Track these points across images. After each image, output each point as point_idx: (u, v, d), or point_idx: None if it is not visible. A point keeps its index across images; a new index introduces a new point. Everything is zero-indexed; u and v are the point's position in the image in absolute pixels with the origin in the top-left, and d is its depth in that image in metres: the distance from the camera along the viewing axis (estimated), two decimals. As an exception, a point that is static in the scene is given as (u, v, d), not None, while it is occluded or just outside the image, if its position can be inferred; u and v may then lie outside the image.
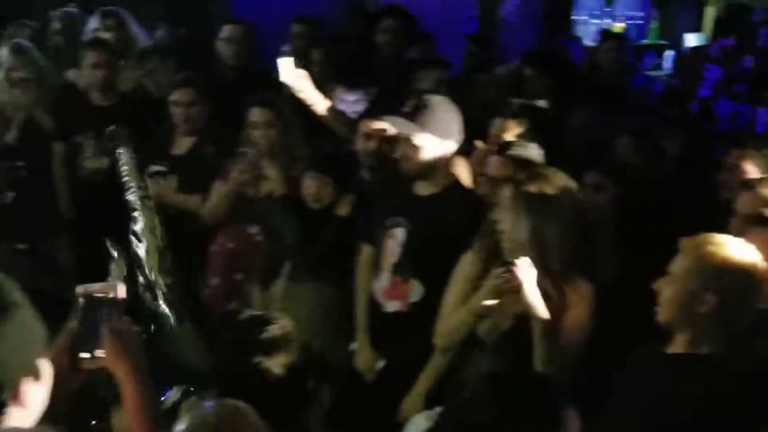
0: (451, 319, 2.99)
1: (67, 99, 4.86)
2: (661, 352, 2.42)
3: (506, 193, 2.81)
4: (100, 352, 1.90)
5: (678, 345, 2.39)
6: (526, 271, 2.66)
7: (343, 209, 3.72)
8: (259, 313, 2.27)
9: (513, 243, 2.76)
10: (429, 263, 3.20)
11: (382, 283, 3.36)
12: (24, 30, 5.51)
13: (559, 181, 2.79)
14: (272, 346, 2.04)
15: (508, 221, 2.78)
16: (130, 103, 4.74)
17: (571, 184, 2.83)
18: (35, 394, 1.51)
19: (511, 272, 2.65)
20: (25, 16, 6.08)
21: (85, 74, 4.79)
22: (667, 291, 2.37)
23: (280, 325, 2.10)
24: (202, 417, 1.59)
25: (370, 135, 3.75)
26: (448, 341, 3.02)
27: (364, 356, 3.45)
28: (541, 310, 2.68)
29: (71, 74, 5.18)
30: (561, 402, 1.73)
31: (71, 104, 4.80)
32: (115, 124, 4.36)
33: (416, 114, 3.18)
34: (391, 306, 3.34)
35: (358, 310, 3.48)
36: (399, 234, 3.31)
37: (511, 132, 3.74)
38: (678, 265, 2.37)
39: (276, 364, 2.04)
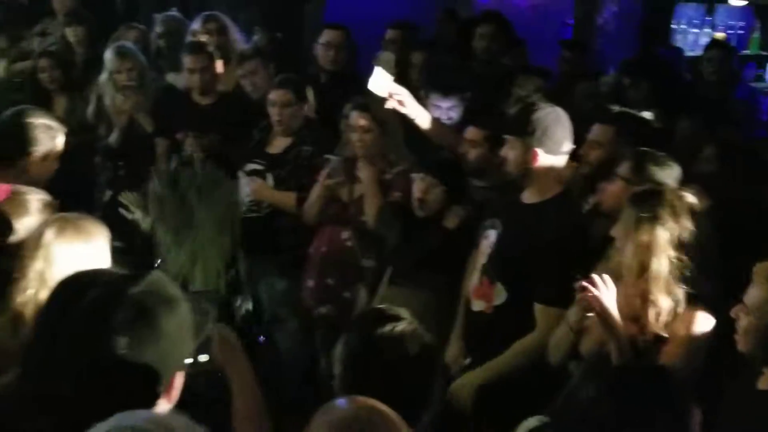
0: (557, 333, 2.93)
1: (168, 99, 4.97)
2: (752, 388, 2.32)
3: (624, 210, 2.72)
4: (203, 357, 1.92)
5: (766, 380, 2.30)
6: (603, 288, 2.55)
7: (451, 222, 3.69)
8: (383, 306, 2.22)
9: (621, 262, 2.67)
10: (515, 270, 3.17)
11: (473, 281, 3.36)
12: (131, 32, 5.67)
13: (680, 203, 2.64)
14: (402, 343, 2.01)
15: (621, 239, 2.69)
16: (228, 103, 4.84)
17: (698, 205, 2.68)
18: (179, 389, 1.54)
19: (586, 288, 2.57)
20: (132, 18, 6.28)
21: (185, 77, 4.91)
22: (744, 321, 2.26)
23: (408, 321, 2.06)
24: (341, 415, 1.57)
25: (475, 142, 3.75)
26: (554, 355, 2.95)
27: (452, 349, 3.46)
28: (617, 331, 2.58)
29: (170, 77, 5.31)
30: (685, 398, 1.65)
31: (172, 103, 4.91)
32: (214, 123, 4.47)
33: (523, 120, 3.13)
34: (477, 305, 3.33)
35: (461, 304, 3.49)
36: (492, 236, 3.31)
37: (607, 139, 3.69)
38: (751, 295, 2.26)
39: (405, 362, 2.00)
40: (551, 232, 3.10)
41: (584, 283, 2.57)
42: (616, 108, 4.04)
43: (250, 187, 4.37)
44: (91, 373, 1.46)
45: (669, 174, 3.06)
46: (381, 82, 3.77)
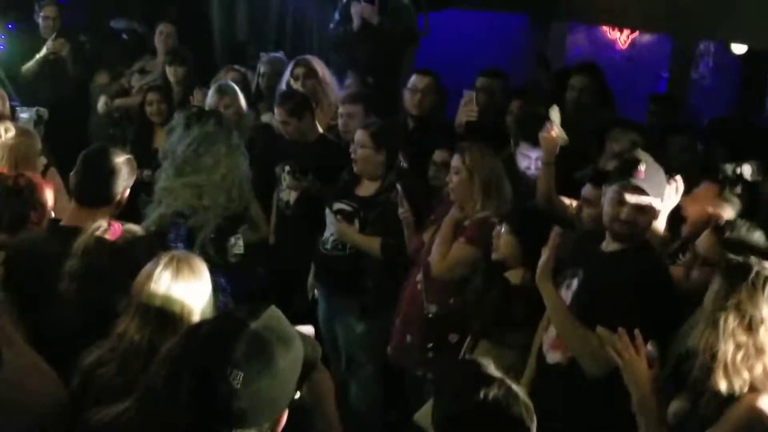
0: None
1: (264, 138, 5.08)
2: None
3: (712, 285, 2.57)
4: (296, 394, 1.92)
5: None
6: (630, 347, 2.65)
7: (514, 277, 3.62)
8: (473, 363, 2.16)
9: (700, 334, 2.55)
10: (595, 320, 3.03)
11: (550, 333, 3.28)
12: (231, 73, 5.85)
13: (764, 283, 2.46)
14: (499, 409, 1.94)
15: (704, 312, 2.56)
16: (322, 144, 4.90)
17: None
18: (283, 425, 1.54)
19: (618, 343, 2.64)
20: (232, 60, 6.46)
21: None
22: None
23: (500, 382, 1.97)
24: None
25: (592, 201, 3.60)
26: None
27: None
28: (637, 388, 2.63)
29: (266, 117, 5.42)
30: None
31: (268, 142, 5.03)
32: (308, 161, 4.56)
33: (631, 173, 3.08)
34: (553, 357, 3.25)
35: (529, 361, 3.42)
36: (574, 285, 3.24)
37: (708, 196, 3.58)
38: None
39: (503, 427, 1.94)
40: (636, 282, 3.02)
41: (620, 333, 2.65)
42: (728, 166, 3.87)
43: (335, 227, 4.40)
44: (205, 404, 1.47)
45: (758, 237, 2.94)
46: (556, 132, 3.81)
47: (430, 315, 3.99)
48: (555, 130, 3.91)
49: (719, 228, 3.04)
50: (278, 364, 1.51)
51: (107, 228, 2.69)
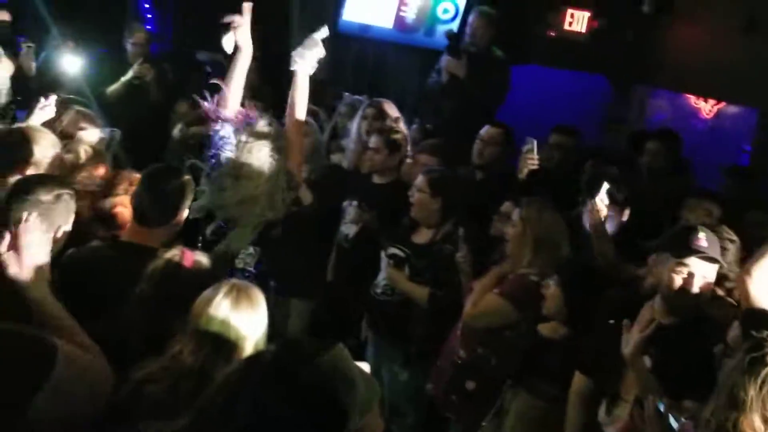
0: None
1: (332, 176, 5.07)
2: None
3: None
4: None
5: None
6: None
7: (545, 329, 3.62)
8: None
9: None
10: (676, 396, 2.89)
11: (619, 414, 3.12)
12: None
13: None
14: None
15: None
16: (396, 187, 4.82)
17: None
18: None
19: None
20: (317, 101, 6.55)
21: (347, 157, 5.09)
22: None
23: None
24: None
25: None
26: None
27: None
28: None
29: (335, 157, 5.44)
30: None
31: (336, 180, 5.01)
32: (377, 199, 4.58)
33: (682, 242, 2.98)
34: None
35: None
36: (646, 362, 3.08)
37: None
38: None
39: None
40: (703, 359, 2.90)
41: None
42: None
43: (386, 271, 4.34)
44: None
45: None
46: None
47: (458, 360, 3.96)
48: (596, 209, 3.89)
49: (746, 319, 2.81)
50: (338, 403, 1.50)
51: (181, 256, 2.72)
